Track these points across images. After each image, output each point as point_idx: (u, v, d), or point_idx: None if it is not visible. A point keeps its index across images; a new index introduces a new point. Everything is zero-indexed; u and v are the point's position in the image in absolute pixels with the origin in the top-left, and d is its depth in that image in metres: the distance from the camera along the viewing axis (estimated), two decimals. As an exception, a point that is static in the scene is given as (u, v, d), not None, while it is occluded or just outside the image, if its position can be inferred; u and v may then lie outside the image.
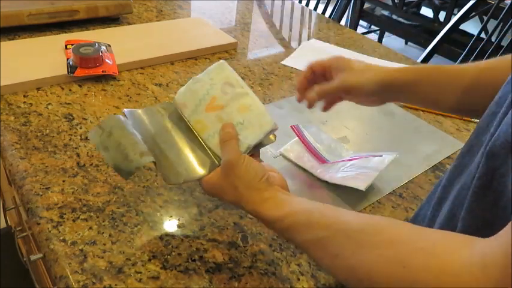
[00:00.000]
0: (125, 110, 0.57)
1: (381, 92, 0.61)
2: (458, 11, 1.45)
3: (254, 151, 0.55)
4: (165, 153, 0.54)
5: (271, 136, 0.58)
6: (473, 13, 1.78)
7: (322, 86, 0.63)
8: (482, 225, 0.40)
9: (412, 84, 0.61)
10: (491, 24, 1.45)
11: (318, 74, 0.66)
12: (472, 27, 2.53)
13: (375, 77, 0.61)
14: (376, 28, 3.47)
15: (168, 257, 0.55)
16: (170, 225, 0.59)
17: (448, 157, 0.81)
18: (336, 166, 0.72)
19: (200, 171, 0.53)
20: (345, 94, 0.64)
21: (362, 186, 0.66)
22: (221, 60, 0.57)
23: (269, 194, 0.49)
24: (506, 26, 1.30)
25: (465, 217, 0.42)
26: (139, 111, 0.58)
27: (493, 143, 0.39)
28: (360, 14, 2.86)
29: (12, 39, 0.96)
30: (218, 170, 0.52)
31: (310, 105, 0.64)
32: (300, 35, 1.27)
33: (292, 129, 0.75)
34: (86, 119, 0.76)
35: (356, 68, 0.62)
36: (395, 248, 0.38)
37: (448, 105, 0.61)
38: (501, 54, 1.27)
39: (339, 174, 0.69)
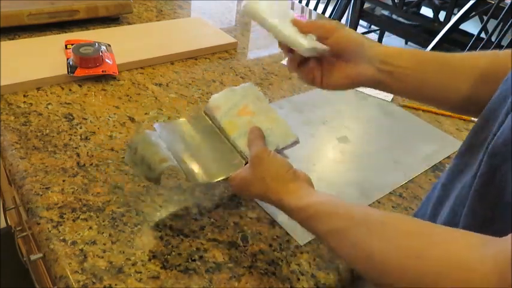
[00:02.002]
0: (156, 124, 0.61)
1: (369, 53, 0.56)
2: (458, 11, 1.45)
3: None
4: (196, 157, 0.59)
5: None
6: (473, 13, 1.78)
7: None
8: (483, 223, 0.40)
9: (395, 54, 0.56)
10: (491, 24, 1.45)
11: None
12: (472, 27, 2.53)
13: (374, 47, 0.56)
14: (376, 28, 3.46)
15: (168, 257, 0.55)
16: (170, 225, 0.59)
17: (448, 157, 0.81)
18: None
19: (229, 170, 0.57)
20: (336, 57, 0.58)
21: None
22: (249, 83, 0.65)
23: (294, 186, 0.51)
24: (506, 26, 1.30)
25: (467, 215, 0.42)
26: (171, 123, 0.64)
27: (495, 142, 0.39)
28: (360, 13, 2.86)
29: (12, 39, 0.96)
30: (246, 166, 0.55)
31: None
32: (300, 35, 1.27)
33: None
34: (86, 119, 0.76)
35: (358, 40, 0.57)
36: (412, 239, 0.38)
37: (432, 88, 0.57)
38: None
39: None
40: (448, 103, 0.59)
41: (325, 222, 0.46)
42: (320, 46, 0.55)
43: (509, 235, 0.33)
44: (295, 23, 0.57)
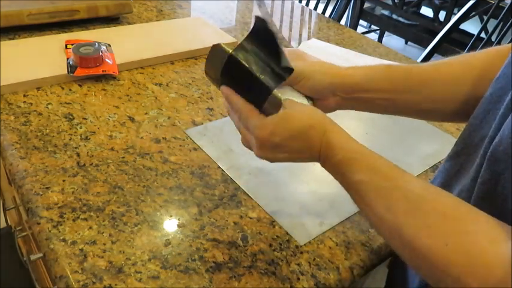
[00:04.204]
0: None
1: (331, 90, 0.56)
2: (458, 11, 1.45)
3: None
4: None
5: None
6: (473, 13, 1.78)
7: None
8: None
9: (364, 82, 0.56)
10: (491, 24, 1.45)
11: None
12: (472, 27, 2.53)
13: (326, 71, 0.55)
14: (376, 28, 3.47)
15: (168, 256, 0.55)
16: (170, 225, 0.59)
17: (448, 157, 0.81)
18: None
19: None
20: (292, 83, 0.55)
21: None
22: None
23: (339, 127, 0.49)
24: (506, 26, 1.30)
25: None
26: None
27: (495, 148, 0.39)
28: (360, 13, 2.86)
29: (12, 39, 0.96)
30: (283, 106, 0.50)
31: None
32: (300, 35, 1.27)
33: None
34: (86, 119, 0.76)
35: (308, 59, 0.58)
36: (446, 223, 0.39)
37: (405, 105, 0.58)
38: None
39: None
40: (395, 112, 0.60)
41: (364, 172, 0.45)
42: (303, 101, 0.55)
43: None
44: None
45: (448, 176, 0.50)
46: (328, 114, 0.52)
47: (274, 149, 0.49)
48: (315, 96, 0.56)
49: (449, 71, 0.56)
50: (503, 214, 0.38)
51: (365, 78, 0.56)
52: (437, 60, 0.58)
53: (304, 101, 0.56)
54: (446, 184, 0.50)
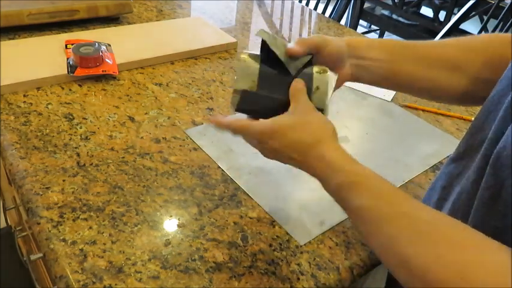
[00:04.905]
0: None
1: (348, 52, 0.57)
2: (458, 11, 1.45)
3: None
4: None
5: None
6: (473, 13, 1.78)
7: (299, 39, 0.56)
8: (493, 234, 0.39)
9: (375, 46, 0.58)
10: (491, 24, 1.45)
11: None
12: (472, 27, 2.53)
13: (339, 39, 0.58)
14: (376, 28, 3.47)
15: (168, 256, 0.55)
16: (170, 225, 0.59)
17: (448, 157, 0.81)
18: None
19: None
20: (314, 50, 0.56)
21: None
22: None
23: (339, 146, 0.47)
24: (506, 26, 1.30)
25: (476, 225, 0.41)
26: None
27: (499, 153, 0.39)
28: (360, 13, 2.86)
29: (12, 39, 0.96)
30: (285, 114, 0.50)
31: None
32: (300, 35, 1.27)
33: None
34: (86, 119, 0.76)
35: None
36: (457, 254, 0.36)
37: (407, 77, 0.58)
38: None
39: None
40: (428, 93, 0.60)
41: (365, 197, 0.42)
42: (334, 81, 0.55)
43: None
44: (289, 51, 0.53)
45: (450, 178, 0.50)
46: (329, 114, 0.52)
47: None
48: (336, 64, 0.57)
49: (449, 55, 0.57)
50: (506, 221, 0.38)
51: (366, 44, 0.58)
52: (439, 41, 0.59)
53: (332, 75, 0.55)
54: (449, 185, 0.50)
